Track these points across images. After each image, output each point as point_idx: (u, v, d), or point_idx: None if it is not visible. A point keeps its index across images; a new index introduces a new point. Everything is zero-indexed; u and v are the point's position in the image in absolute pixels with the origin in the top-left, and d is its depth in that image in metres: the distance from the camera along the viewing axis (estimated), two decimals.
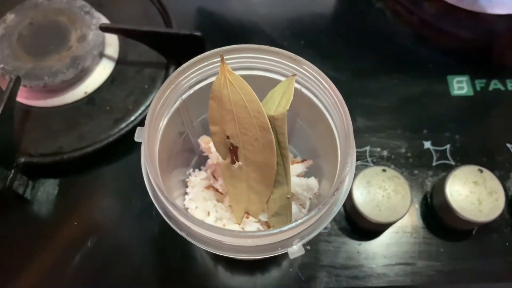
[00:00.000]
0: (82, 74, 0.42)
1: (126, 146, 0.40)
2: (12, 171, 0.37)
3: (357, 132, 0.42)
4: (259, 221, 0.30)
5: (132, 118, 0.41)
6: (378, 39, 0.49)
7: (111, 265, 0.36)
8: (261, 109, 0.26)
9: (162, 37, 0.42)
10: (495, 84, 0.45)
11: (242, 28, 0.49)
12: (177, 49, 0.42)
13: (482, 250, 0.37)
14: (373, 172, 0.36)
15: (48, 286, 0.36)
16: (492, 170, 0.36)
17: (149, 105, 0.34)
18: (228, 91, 0.25)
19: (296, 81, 0.27)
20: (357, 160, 0.40)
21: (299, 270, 0.36)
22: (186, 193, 0.34)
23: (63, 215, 0.38)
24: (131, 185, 0.39)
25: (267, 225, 0.30)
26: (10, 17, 0.44)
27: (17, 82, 0.38)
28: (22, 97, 0.41)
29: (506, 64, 0.46)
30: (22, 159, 0.38)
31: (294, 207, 0.30)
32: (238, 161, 0.28)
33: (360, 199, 0.35)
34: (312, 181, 0.30)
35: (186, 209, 0.31)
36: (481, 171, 0.36)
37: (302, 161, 0.32)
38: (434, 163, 0.40)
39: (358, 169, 0.37)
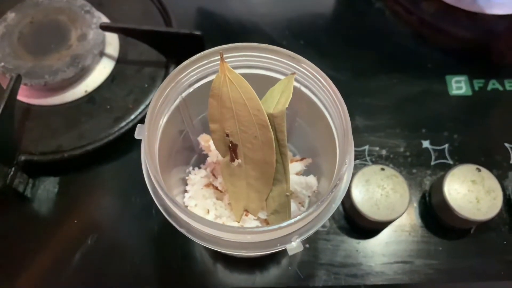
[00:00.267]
0: (82, 73, 0.42)
1: (126, 145, 0.41)
2: (13, 169, 0.37)
3: (356, 131, 0.42)
4: (258, 219, 0.30)
5: (132, 116, 0.41)
6: (377, 39, 0.49)
7: (111, 263, 0.36)
8: (261, 107, 0.26)
9: (162, 36, 0.42)
10: (493, 84, 0.45)
11: (241, 28, 0.49)
12: (177, 48, 0.42)
13: (480, 249, 0.37)
14: (372, 170, 0.36)
15: (48, 283, 0.36)
16: (490, 169, 0.36)
17: (149, 103, 0.35)
18: (228, 89, 0.26)
19: (295, 80, 0.27)
20: (356, 159, 0.41)
21: (298, 268, 0.36)
22: (185, 191, 0.34)
23: (63, 213, 0.39)
24: (131, 184, 0.40)
25: (266, 223, 0.30)
26: (10, 16, 0.44)
27: (17, 80, 0.39)
28: (23, 96, 0.42)
29: (504, 64, 0.47)
30: (23, 157, 0.38)
31: (293, 205, 0.30)
32: (237, 159, 0.29)
33: (359, 197, 0.35)
34: (311, 179, 0.30)
35: (186, 207, 0.31)
36: (479, 170, 0.36)
37: (301, 159, 0.32)
38: (432, 162, 0.41)
39: (357, 168, 0.37)
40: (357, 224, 0.37)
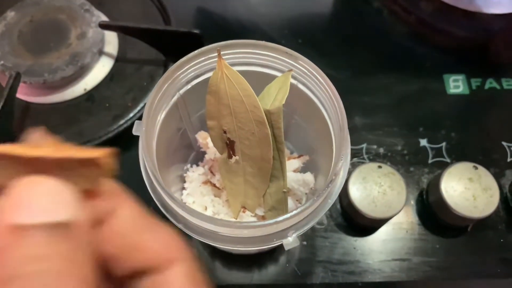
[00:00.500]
0: (81, 71, 0.42)
1: (125, 143, 0.41)
2: None
3: (354, 129, 0.42)
4: (256, 215, 0.30)
5: (131, 114, 0.41)
6: (376, 38, 0.49)
7: None
8: (258, 104, 0.26)
9: (161, 34, 0.42)
10: (490, 83, 0.45)
11: (240, 26, 0.50)
12: (176, 47, 0.42)
13: (477, 247, 0.37)
14: (369, 168, 0.36)
15: None
16: (487, 167, 0.36)
17: None
18: (225, 86, 0.26)
19: (292, 77, 0.27)
20: (353, 157, 0.41)
21: (295, 266, 0.36)
22: (183, 188, 0.34)
23: None
24: (130, 181, 0.39)
25: (264, 219, 0.31)
26: (10, 14, 0.44)
27: (17, 78, 0.39)
28: (22, 94, 0.42)
29: (502, 63, 0.47)
30: None
31: (291, 202, 0.31)
32: (235, 156, 0.29)
33: (356, 194, 0.35)
34: (308, 177, 0.31)
35: (184, 203, 0.31)
36: (476, 168, 0.36)
37: (299, 156, 0.33)
38: (430, 161, 0.41)
39: (355, 166, 0.37)
40: (354, 221, 0.37)
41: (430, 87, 0.45)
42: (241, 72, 0.25)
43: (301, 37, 0.48)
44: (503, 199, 0.38)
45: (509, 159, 0.41)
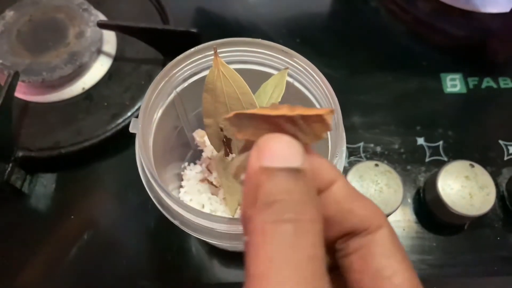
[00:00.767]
0: (80, 70, 0.42)
1: (123, 141, 0.41)
2: (10, 165, 0.38)
3: (351, 128, 0.42)
4: None
5: (129, 113, 0.41)
6: (373, 37, 0.49)
7: (107, 258, 0.37)
8: (254, 102, 0.26)
9: (159, 33, 0.42)
10: (487, 82, 0.45)
11: (238, 26, 0.50)
12: (174, 46, 0.42)
13: (474, 245, 0.37)
14: (366, 166, 0.36)
15: (44, 278, 0.36)
16: (484, 166, 0.36)
17: None
18: (222, 84, 0.26)
19: (288, 75, 0.27)
20: (350, 155, 0.41)
21: None
22: (181, 186, 0.34)
23: (60, 209, 0.39)
24: (128, 180, 0.40)
25: None
26: (9, 14, 0.44)
27: (15, 77, 0.39)
28: (21, 93, 0.42)
29: (499, 62, 0.47)
30: (20, 153, 0.39)
31: None
32: (231, 153, 0.29)
33: None
34: None
35: (180, 200, 0.31)
36: (473, 166, 0.36)
37: None
38: (427, 159, 0.41)
39: (352, 164, 0.38)
40: None
41: (428, 86, 0.45)
42: (238, 70, 0.25)
43: (299, 36, 0.49)
44: (500, 197, 0.39)
45: (506, 158, 0.41)
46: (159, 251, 0.37)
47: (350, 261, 0.16)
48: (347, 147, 0.41)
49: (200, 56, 0.27)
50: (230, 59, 0.28)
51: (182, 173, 0.35)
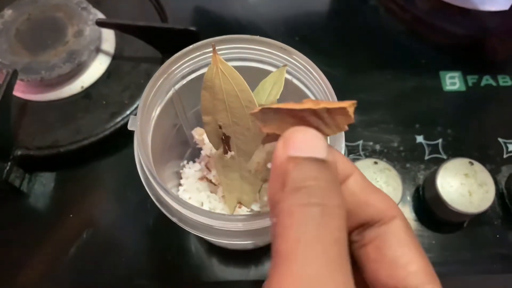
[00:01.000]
0: (78, 69, 0.42)
1: (122, 140, 0.41)
2: (9, 164, 0.38)
3: (350, 126, 0.42)
4: (252, 211, 0.30)
5: (128, 112, 0.41)
6: (372, 36, 0.49)
7: (106, 257, 0.37)
8: (253, 99, 0.26)
9: (158, 32, 0.42)
10: (487, 80, 0.45)
11: (237, 24, 0.50)
12: (173, 44, 0.42)
13: (473, 242, 0.37)
14: (365, 164, 0.36)
15: (44, 277, 0.36)
16: (483, 164, 0.36)
17: None
18: (220, 81, 0.26)
19: (287, 72, 0.27)
20: (350, 153, 0.41)
21: None
22: (180, 185, 0.34)
23: (59, 207, 0.39)
24: (127, 178, 0.40)
25: None
26: (8, 12, 0.44)
27: (14, 76, 0.39)
28: (19, 91, 0.42)
29: (498, 60, 0.47)
30: (19, 152, 0.39)
31: None
32: (230, 151, 0.29)
33: None
34: None
35: (178, 197, 0.31)
36: (472, 164, 0.36)
37: None
38: (426, 157, 0.41)
39: None
40: None
41: (427, 84, 0.45)
42: (236, 68, 0.25)
43: (298, 34, 0.49)
44: (499, 195, 0.39)
45: (505, 155, 0.41)
46: (158, 250, 0.37)
47: (366, 252, 0.17)
48: (346, 145, 0.41)
49: (199, 53, 0.27)
50: (229, 57, 0.27)
51: (181, 171, 0.35)
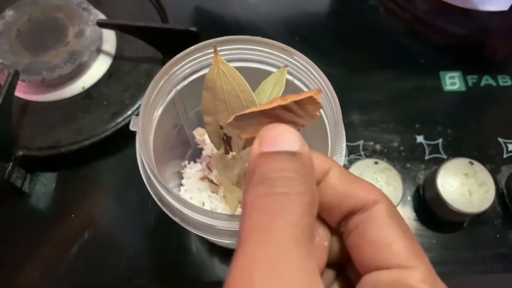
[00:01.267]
0: (79, 69, 0.43)
1: (123, 140, 0.41)
2: (10, 164, 0.38)
3: (350, 126, 0.42)
4: None
5: (129, 112, 0.41)
6: (372, 35, 0.49)
7: (108, 256, 0.37)
8: (254, 99, 0.26)
9: (158, 32, 0.42)
10: (487, 80, 0.45)
11: (237, 24, 0.50)
12: (173, 45, 0.42)
13: (474, 242, 0.37)
14: (365, 164, 0.36)
15: (45, 277, 0.36)
16: (483, 163, 0.36)
17: None
18: (221, 82, 0.26)
19: (288, 73, 0.27)
20: (350, 153, 0.41)
21: None
22: (181, 185, 0.34)
23: (61, 207, 0.39)
24: (128, 178, 0.40)
25: None
26: (9, 13, 0.45)
27: (15, 76, 0.39)
28: (21, 92, 0.42)
29: (497, 60, 0.47)
30: (20, 152, 0.39)
31: None
32: (231, 151, 0.29)
33: None
34: None
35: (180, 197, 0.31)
36: (472, 164, 0.36)
37: None
38: (426, 157, 0.41)
39: (351, 162, 0.38)
40: None
41: (427, 84, 0.45)
42: (237, 68, 0.26)
43: (298, 35, 0.49)
44: (499, 194, 0.39)
45: (505, 155, 0.41)
46: (159, 249, 0.37)
47: (351, 239, 0.17)
48: (347, 145, 0.41)
49: (200, 54, 0.27)
50: (230, 57, 0.28)
51: (182, 171, 0.35)
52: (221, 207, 0.32)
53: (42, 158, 0.39)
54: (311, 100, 0.17)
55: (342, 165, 0.25)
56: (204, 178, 0.34)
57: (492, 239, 0.37)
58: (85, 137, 0.40)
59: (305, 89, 0.28)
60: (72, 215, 0.38)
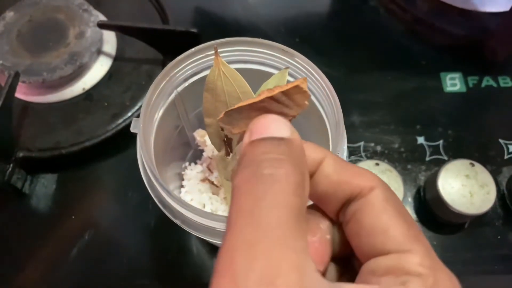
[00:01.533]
0: (80, 70, 0.43)
1: (123, 141, 0.41)
2: (11, 165, 0.38)
3: (351, 127, 0.42)
4: None
5: (129, 113, 0.41)
6: (372, 36, 0.49)
7: (108, 257, 0.37)
8: None
9: (159, 33, 0.42)
10: (487, 81, 0.45)
11: (237, 25, 0.50)
12: (174, 46, 0.42)
13: (474, 243, 0.37)
14: (366, 166, 0.36)
15: (45, 278, 0.36)
16: (484, 165, 0.36)
17: None
18: (222, 83, 0.26)
19: (289, 74, 0.27)
20: (351, 155, 0.41)
21: None
22: (182, 186, 0.34)
23: (61, 209, 0.39)
24: (128, 179, 0.40)
25: None
26: (9, 14, 0.44)
27: (16, 77, 0.39)
28: (21, 93, 0.42)
29: (498, 61, 0.47)
30: (21, 154, 0.39)
31: None
32: (232, 153, 0.29)
33: None
34: None
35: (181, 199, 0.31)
36: (473, 165, 0.36)
37: None
38: (427, 158, 0.41)
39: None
40: None
41: (427, 85, 0.45)
42: (238, 70, 0.26)
43: (298, 35, 0.49)
44: (500, 196, 0.39)
45: (506, 156, 0.41)
46: (159, 250, 0.37)
47: (349, 228, 0.17)
48: (348, 147, 0.41)
49: (201, 55, 0.27)
50: (231, 59, 0.28)
51: (183, 172, 0.35)
52: (222, 209, 0.32)
53: (42, 159, 0.39)
54: (298, 89, 0.17)
55: None
56: (204, 179, 0.34)
57: (493, 240, 0.37)
58: (85, 138, 0.40)
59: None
60: (73, 216, 0.38)
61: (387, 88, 0.45)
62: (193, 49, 0.26)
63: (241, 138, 0.19)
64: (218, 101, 0.27)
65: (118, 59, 0.45)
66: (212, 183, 0.33)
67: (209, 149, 0.33)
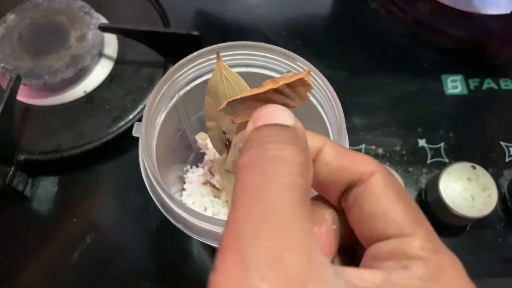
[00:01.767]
0: (81, 73, 0.43)
1: (125, 144, 0.41)
2: (12, 168, 0.38)
3: (352, 130, 0.42)
4: None
5: (131, 116, 0.41)
6: (374, 39, 0.49)
7: (109, 260, 0.37)
8: None
9: (160, 36, 0.42)
10: (488, 83, 0.45)
11: (239, 28, 0.50)
12: (175, 49, 0.43)
13: (476, 246, 0.37)
14: None
15: (47, 281, 0.36)
16: (485, 167, 0.36)
17: None
18: (224, 87, 0.26)
19: None
20: None
21: None
22: (183, 189, 0.34)
23: (62, 211, 0.39)
24: (130, 182, 0.40)
25: None
26: (10, 17, 0.45)
27: (17, 80, 0.39)
28: (23, 96, 0.42)
29: (499, 64, 0.47)
30: (22, 157, 0.39)
31: None
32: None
33: None
34: None
35: (183, 203, 0.31)
36: (474, 168, 0.36)
37: None
38: (428, 161, 0.41)
39: None
40: None
41: (428, 87, 0.45)
42: (240, 74, 0.26)
43: (299, 38, 0.49)
44: (502, 198, 0.39)
45: (507, 159, 0.41)
46: (161, 253, 0.37)
47: (351, 214, 0.17)
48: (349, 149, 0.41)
49: (203, 59, 0.27)
50: (233, 63, 0.28)
51: (184, 176, 0.35)
52: (224, 212, 0.32)
53: (44, 162, 0.39)
54: (301, 81, 0.18)
55: None
56: (206, 182, 0.34)
57: (495, 243, 0.37)
58: (86, 141, 0.40)
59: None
60: (74, 219, 0.38)
61: (388, 90, 0.45)
62: (195, 53, 0.26)
63: (240, 128, 0.19)
64: (220, 105, 0.27)
65: (119, 62, 0.45)
66: (213, 186, 0.33)
67: (211, 152, 0.33)
